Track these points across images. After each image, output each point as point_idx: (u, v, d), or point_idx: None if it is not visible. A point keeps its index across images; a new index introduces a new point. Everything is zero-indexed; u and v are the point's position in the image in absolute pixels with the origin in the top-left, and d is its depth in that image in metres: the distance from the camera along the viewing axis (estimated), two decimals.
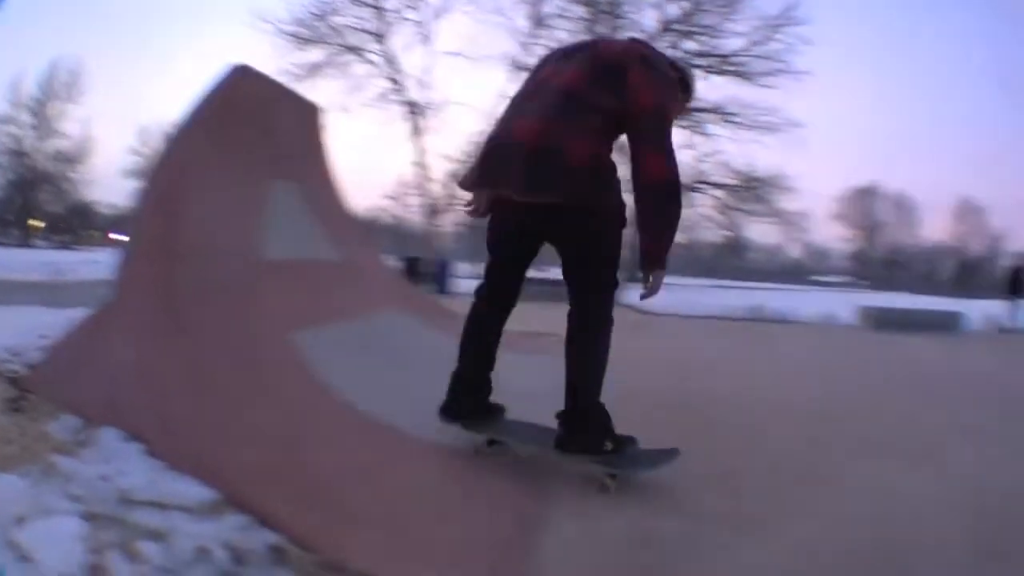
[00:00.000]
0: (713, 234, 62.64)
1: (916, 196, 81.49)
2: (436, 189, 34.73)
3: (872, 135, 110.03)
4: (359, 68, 32.96)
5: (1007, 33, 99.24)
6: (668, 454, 3.16)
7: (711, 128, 43.27)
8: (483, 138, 3.21)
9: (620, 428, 3.11)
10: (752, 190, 45.11)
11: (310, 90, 26.54)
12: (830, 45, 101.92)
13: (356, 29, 32.93)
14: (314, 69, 31.37)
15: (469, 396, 3.27)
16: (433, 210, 34.41)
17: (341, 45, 32.86)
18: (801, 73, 41.59)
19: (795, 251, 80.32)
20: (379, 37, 33.11)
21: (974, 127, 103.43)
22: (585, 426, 3.04)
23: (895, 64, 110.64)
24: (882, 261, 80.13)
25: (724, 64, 43.48)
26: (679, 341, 11.05)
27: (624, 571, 2.39)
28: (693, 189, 46.73)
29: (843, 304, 18.40)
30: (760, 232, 60.96)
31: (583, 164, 2.85)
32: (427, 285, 18.38)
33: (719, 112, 43.20)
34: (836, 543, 2.64)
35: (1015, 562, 2.61)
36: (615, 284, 3.14)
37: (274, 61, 27.14)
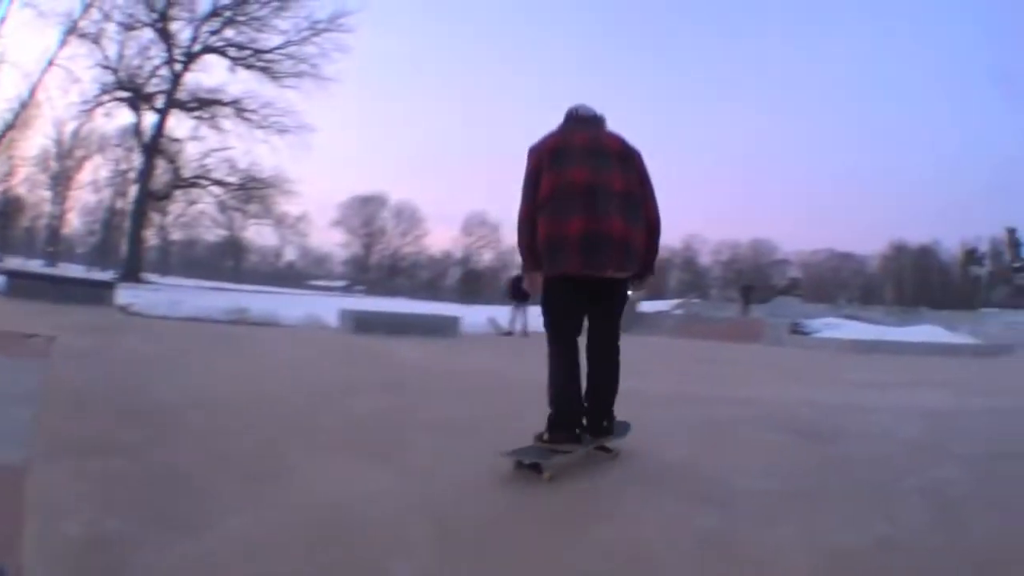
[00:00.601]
0: (212, 233, 61.71)
1: (424, 208, 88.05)
2: None
3: (386, 148, 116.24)
4: None
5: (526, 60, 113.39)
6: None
7: (224, 123, 42.72)
8: (560, 230, 4.06)
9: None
10: (253, 190, 45.14)
11: None
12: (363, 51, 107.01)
13: None
14: None
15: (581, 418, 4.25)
16: None
17: None
18: (328, 80, 43.30)
19: (293, 254, 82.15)
20: None
21: (488, 146, 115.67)
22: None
23: (422, 80, 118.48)
24: (382, 267, 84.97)
25: (256, 59, 43.14)
26: (160, 344, 10.70)
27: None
28: (193, 185, 45.39)
29: (333, 308, 18.68)
30: (259, 234, 61.38)
31: (640, 249, 4.21)
32: None
33: (236, 107, 42.74)
34: (272, 531, 2.80)
35: (462, 545, 2.82)
36: None
37: None
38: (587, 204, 4.04)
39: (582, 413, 4.26)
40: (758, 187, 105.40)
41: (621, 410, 4.47)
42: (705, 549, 2.80)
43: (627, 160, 4.33)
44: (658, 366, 11.99)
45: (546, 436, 4.11)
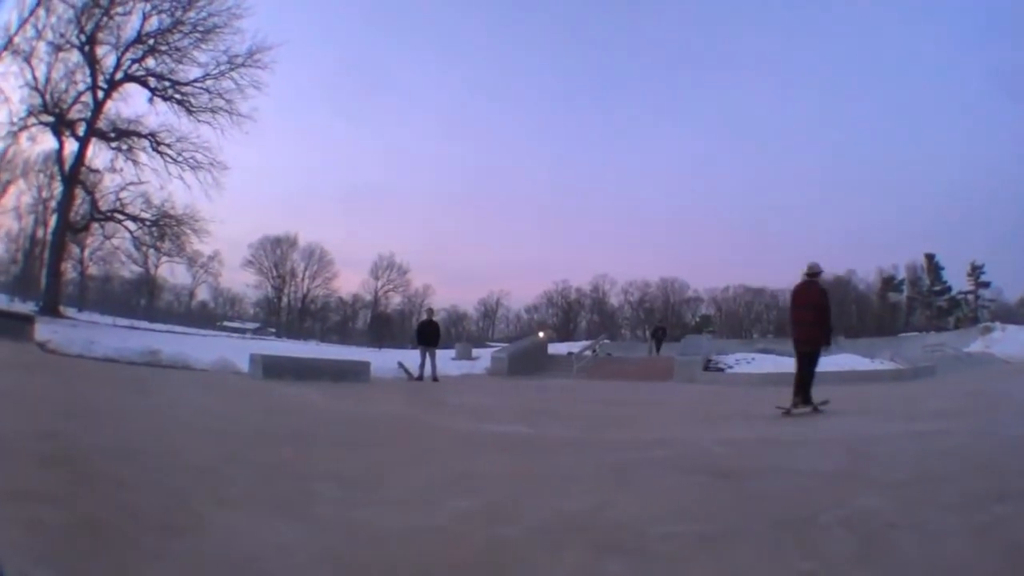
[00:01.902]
0: (127, 269, 60.26)
1: (334, 250, 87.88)
2: None
3: (296, 188, 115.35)
4: None
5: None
6: None
7: (141, 155, 42.17)
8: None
9: None
10: (167, 227, 44.45)
11: None
12: (276, 91, 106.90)
13: None
14: None
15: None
16: None
17: None
18: (243, 116, 43.21)
19: (206, 294, 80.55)
20: None
21: (396, 189, 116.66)
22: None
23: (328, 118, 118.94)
24: (293, 310, 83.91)
25: (174, 90, 42.84)
26: (76, 386, 10.70)
27: None
28: (110, 218, 44.45)
29: (244, 351, 18.56)
30: (173, 272, 60.06)
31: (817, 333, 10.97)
32: None
33: (153, 139, 42.29)
34: None
35: None
36: None
37: None
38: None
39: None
40: (667, 226, 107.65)
41: (512, 458, 4.70)
42: None
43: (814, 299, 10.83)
44: (565, 409, 12.20)
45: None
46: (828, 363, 23.86)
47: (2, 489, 3.91)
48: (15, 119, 38.01)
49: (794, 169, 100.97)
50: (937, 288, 76.62)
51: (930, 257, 78.45)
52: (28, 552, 2.97)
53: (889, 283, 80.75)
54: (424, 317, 21.84)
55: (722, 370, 24.78)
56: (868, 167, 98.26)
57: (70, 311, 44.08)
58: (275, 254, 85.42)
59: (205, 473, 5.20)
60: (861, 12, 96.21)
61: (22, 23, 34.20)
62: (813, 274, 11.50)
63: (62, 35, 38.46)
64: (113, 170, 42.28)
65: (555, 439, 7.64)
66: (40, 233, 58.69)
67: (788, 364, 23.53)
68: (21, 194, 57.64)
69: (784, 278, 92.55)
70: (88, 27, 39.49)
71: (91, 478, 4.63)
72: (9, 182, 54.69)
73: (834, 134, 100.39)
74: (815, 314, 11.06)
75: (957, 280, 76.54)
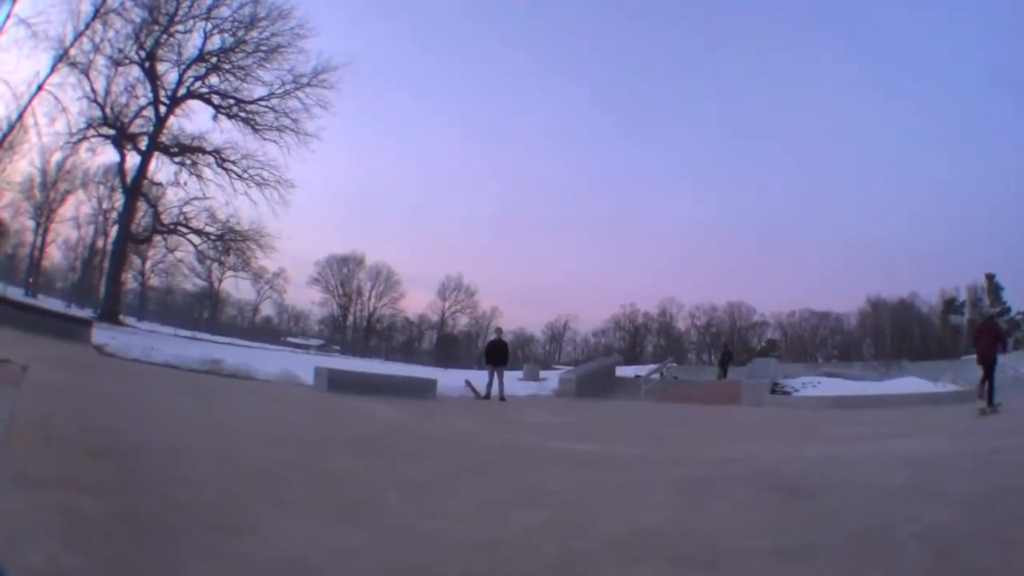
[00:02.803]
0: (190, 282, 61.67)
1: (401, 270, 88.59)
2: None
3: (363, 208, 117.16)
4: None
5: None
6: None
7: (205, 171, 43.03)
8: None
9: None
10: (232, 242, 45.21)
11: None
12: (344, 113, 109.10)
13: None
14: None
15: None
16: None
17: None
18: (309, 136, 43.90)
19: (270, 310, 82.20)
20: None
21: (464, 212, 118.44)
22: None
23: (398, 141, 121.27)
24: (358, 328, 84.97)
25: (239, 108, 43.75)
26: (132, 387, 10.69)
27: None
28: (173, 231, 45.41)
29: (308, 365, 18.47)
30: (237, 287, 61.27)
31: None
32: None
33: (218, 156, 43.12)
34: None
35: None
36: None
37: None
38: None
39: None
40: (734, 250, 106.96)
41: (582, 473, 4.79)
42: None
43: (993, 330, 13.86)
44: (633, 429, 12.11)
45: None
46: (893, 386, 24.13)
47: (43, 475, 3.79)
48: (74, 130, 38.69)
49: (859, 194, 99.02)
50: (997, 309, 73.82)
51: (990, 277, 75.55)
52: (60, 537, 2.87)
53: (950, 305, 78.46)
54: (493, 336, 21.56)
55: (788, 393, 24.56)
56: (931, 189, 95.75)
57: (129, 320, 45.53)
58: (341, 272, 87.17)
59: (263, 477, 5.15)
60: (943, 31, 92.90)
61: (77, 36, 35.30)
62: (990, 316, 14.86)
63: (120, 50, 39.61)
64: (177, 184, 43.18)
65: (625, 457, 7.52)
66: (100, 243, 60.83)
67: (854, 387, 24.01)
68: (81, 204, 60.51)
69: (849, 302, 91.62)
70: (148, 43, 40.76)
71: (139, 473, 4.53)
72: (68, 192, 56.94)
73: (898, 157, 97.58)
74: (993, 339, 13.89)
75: (1017, 300, 73.37)
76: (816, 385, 26.10)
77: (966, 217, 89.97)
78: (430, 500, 4.79)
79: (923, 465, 6.64)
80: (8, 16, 29.34)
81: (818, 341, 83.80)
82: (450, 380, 21.88)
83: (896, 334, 76.22)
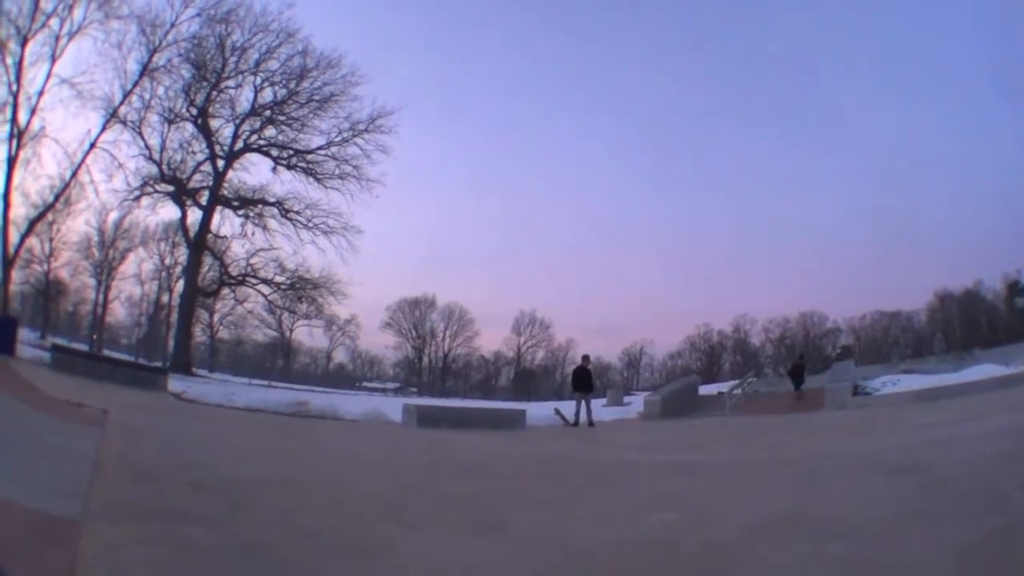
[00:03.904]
0: (260, 332, 62.68)
1: (473, 309, 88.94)
2: (14, 234, 29.98)
3: (430, 250, 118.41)
4: None
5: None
6: None
7: (271, 222, 43.72)
8: None
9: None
10: (303, 291, 45.80)
11: None
12: (404, 156, 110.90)
13: (11, 20, 27.83)
14: None
15: None
16: (8, 260, 29.06)
17: None
18: (372, 181, 44.40)
19: (343, 356, 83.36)
20: (22, 38, 28.26)
21: (533, 246, 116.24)
22: None
23: (461, 180, 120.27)
24: (433, 369, 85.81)
25: (298, 159, 44.54)
26: (221, 428, 10.64)
27: None
28: (241, 283, 46.20)
29: (392, 405, 18.83)
30: (310, 335, 62.06)
31: None
32: None
33: (281, 207, 43.79)
34: None
35: None
36: None
37: None
38: None
39: None
40: (802, 258, 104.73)
41: (693, 479, 5.33)
42: (847, 569, 2.95)
43: None
44: (727, 439, 12.34)
45: None
46: (969, 375, 23.54)
47: (142, 510, 3.67)
48: (131, 187, 39.61)
49: (920, 185, 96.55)
50: None
51: None
52: (168, 568, 2.85)
53: (1014, 288, 75.60)
54: (579, 364, 21.32)
55: (869, 394, 24.09)
56: (984, 168, 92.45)
57: (201, 371, 46.10)
58: (414, 315, 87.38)
59: (383, 502, 5.15)
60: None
61: (126, 95, 35.77)
62: None
63: (171, 108, 40.44)
64: (243, 236, 43.86)
65: (728, 462, 7.81)
66: (164, 298, 61.99)
67: (932, 381, 23.83)
68: (142, 261, 61.74)
69: (917, 298, 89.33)
70: (198, 100, 41.67)
71: (249, 505, 4.46)
72: (128, 250, 58.66)
73: (957, 146, 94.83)
74: None
75: None
76: (895, 383, 25.42)
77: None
78: (557, 513, 4.88)
79: (1012, 437, 7.09)
80: (48, 76, 29.61)
81: (891, 341, 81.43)
82: (536, 411, 21.89)
83: (964, 325, 74.00)
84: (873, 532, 3.49)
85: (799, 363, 29.42)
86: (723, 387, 33.64)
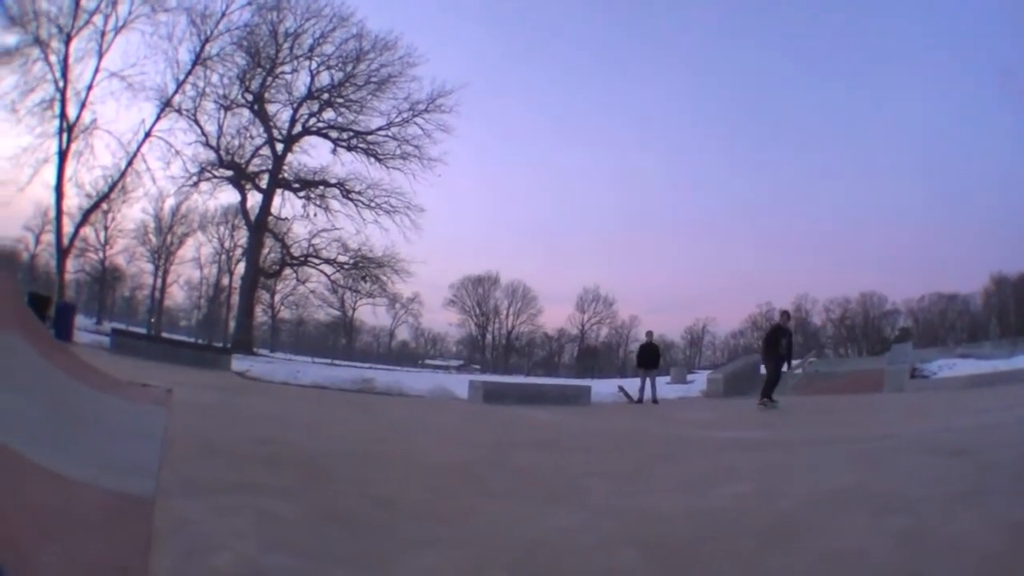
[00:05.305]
0: (322, 312, 63.65)
1: (536, 286, 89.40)
2: (68, 224, 31.72)
3: (494, 228, 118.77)
4: (39, 66, 29.47)
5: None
6: None
7: (333, 203, 44.22)
8: None
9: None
10: (366, 269, 46.29)
11: None
12: (466, 134, 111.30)
13: (51, 20, 29.06)
14: (4, 55, 28.12)
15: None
16: (63, 249, 30.56)
17: (34, 35, 28.89)
18: (433, 160, 44.62)
19: (406, 334, 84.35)
20: (65, 36, 29.45)
21: (595, 222, 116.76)
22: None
23: (523, 157, 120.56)
24: (497, 346, 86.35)
25: (358, 140, 44.94)
26: (287, 404, 10.96)
27: None
28: (304, 263, 46.94)
29: (457, 381, 19.15)
30: (374, 313, 62.90)
31: None
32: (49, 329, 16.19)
33: (343, 188, 44.27)
34: (473, 566, 2.76)
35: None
36: None
37: None
38: None
39: None
40: (863, 240, 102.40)
41: (759, 454, 5.87)
42: (907, 543, 3.01)
43: None
44: (790, 417, 12.48)
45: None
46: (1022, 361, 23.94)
47: (218, 484, 3.75)
48: (190, 173, 40.42)
49: (980, 166, 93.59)
50: None
51: None
52: (258, 540, 2.86)
53: None
54: (645, 340, 21.61)
55: (927, 377, 24.47)
56: None
57: (262, 351, 47.35)
58: (477, 293, 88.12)
59: (457, 472, 5.31)
60: None
61: (179, 85, 36.41)
62: None
63: (226, 96, 41.07)
64: (305, 217, 44.53)
65: (793, 440, 7.96)
66: (225, 281, 64.15)
67: (987, 366, 23.81)
68: (201, 246, 64.07)
69: (974, 280, 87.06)
70: (253, 86, 42.29)
71: (325, 477, 4.53)
72: (186, 234, 60.27)
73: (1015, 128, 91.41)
74: None
75: None
76: (951, 367, 25.75)
77: None
78: (629, 484, 5.03)
79: None
80: (96, 71, 30.51)
81: (947, 325, 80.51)
82: (600, 387, 22.18)
83: (1019, 310, 72.56)
84: (929, 508, 3.61)
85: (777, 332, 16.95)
86: (784, 367, 34.12)
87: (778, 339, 15.01)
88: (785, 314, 16.48)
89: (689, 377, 30.88)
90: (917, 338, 66.66)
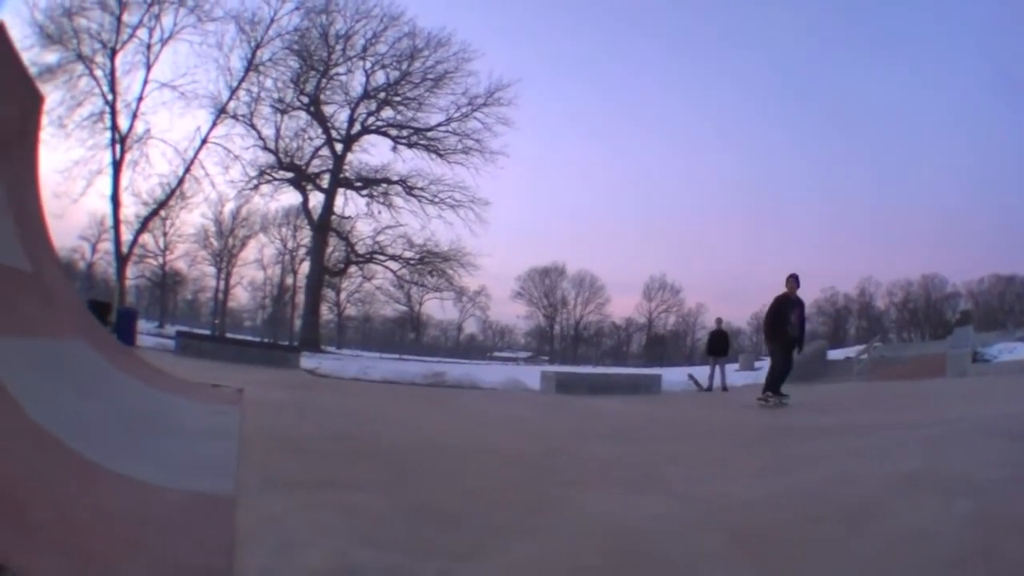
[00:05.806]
0: (388, 308, 64.31)
1: (603, 276, 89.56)
2: (125, 232, 32.71)
3: (558, 219, 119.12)
4: (84, 81, 30.77)
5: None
6: None
7: (396, 200, 44.67)
8: None
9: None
10: (432, 264, 46.66)
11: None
12: (527, 126, 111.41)
13: (93, 36, 30.36)
14: (47, 72, 28.78)
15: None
16: (122, 256, 31.77)
17: (76, 51, 30.15)
18: (495, 153, 44.76)
19: (474, 327, 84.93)
20: (110, 51, 30.77)
21: (660, 210, 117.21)
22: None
23: (586, 146, 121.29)
24: (565, 337, 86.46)
25: (418, 137, 45.37)
26: (361, 400, 11.04)
27: None
28: (369, 260, 47.46)
29: (528, 373, 19.42)
30: (441, 307, 63.34)
31: None
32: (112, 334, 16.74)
33: (405, 184, 44.70)
34: (569, 555, 2.82)
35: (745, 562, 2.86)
36: None
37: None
38: None
39: None
40: (924, 218, 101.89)
41: (832, 440, 6.21)
42: (972, 527, 3.04)
43: None
44: (857, 403, 12.59)
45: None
46: None
47: (302, 480, 3.77)
48: (249, 176, 41.17)
49: None
50: None
51: None
52: (348, 535, 2.87)
53: None
54: (714, 327, 21.83)
55: (988, 361, 25.18)
56: None
57: (329, 348, 48.33)
58: (544, 284, 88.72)
59: (538, 463, 5.40)
60: None
61: (233, 91, 37.45)
62: None
63: (282, 100, 41.89)
64: (369, 215, 45.09)
65: (864, 425, 7.94)
66: (289, 280, 65.31)
67: None
68: (263, 247, 65.13)
69: None
70: (308, 89, 43.06)
71: (409, 470, 4.58)
72: (248, 237, 61.49)
73: None
74: None
75: None
76: (1011, 351, 26.57)
77: None
78: (707, 471, 5.12)
79: None
80: (145, 82, 31.84)
81: (1006, 308, 79.46)
82: (670, 376, 22.49)
83: None
84: (994, 491, 3.64)
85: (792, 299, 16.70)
86: (850, 352, 35.70)
87: (786, 314, 11.75)
88: (793, 279, 12.43)
89: (757, 364, 31.14)
90: (977, 321, 65.56)
